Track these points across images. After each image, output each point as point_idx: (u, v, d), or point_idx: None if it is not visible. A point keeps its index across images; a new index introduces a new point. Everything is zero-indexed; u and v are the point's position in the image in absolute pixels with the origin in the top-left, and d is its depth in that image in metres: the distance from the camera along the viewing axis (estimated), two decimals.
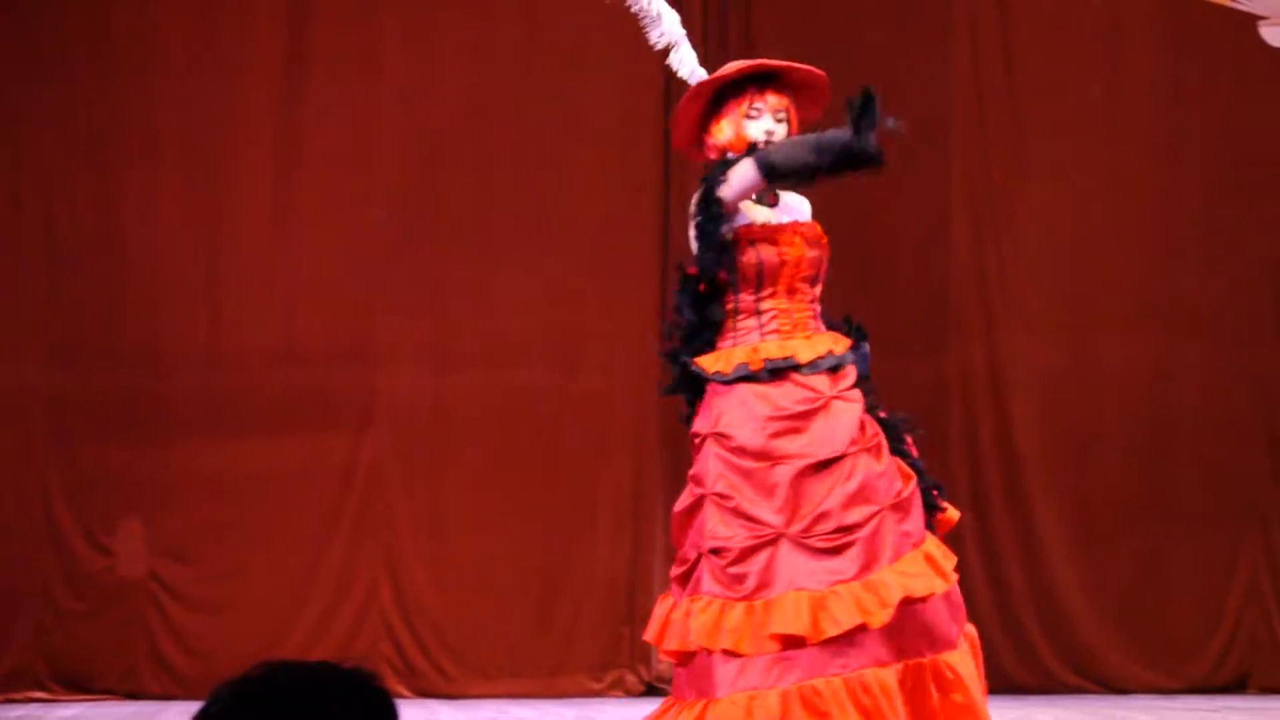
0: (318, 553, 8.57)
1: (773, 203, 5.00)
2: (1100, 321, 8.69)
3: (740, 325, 4.90)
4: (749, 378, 4.85)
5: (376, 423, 8.64)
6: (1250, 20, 6.36)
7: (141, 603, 8.47)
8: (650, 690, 8.56)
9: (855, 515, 4.72)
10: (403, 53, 8.71)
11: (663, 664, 8.58)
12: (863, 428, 4.81)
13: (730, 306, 4.92)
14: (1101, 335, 8.68)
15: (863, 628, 4.61)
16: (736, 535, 4.74)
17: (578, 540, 8.63)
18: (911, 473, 4.84)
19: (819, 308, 4.94)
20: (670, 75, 8.84)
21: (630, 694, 8.57)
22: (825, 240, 4.95)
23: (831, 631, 4.60)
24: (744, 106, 5.00)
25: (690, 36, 8.52)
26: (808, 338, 4.88)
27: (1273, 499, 8.66)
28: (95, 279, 8.56)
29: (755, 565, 4.71)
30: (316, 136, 8.66)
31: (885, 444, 4.82)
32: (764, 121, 4.97)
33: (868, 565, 4.68)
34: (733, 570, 4.72)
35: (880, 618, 4.62)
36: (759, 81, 5.04)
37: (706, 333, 4.94)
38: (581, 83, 8.75)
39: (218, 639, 8.37)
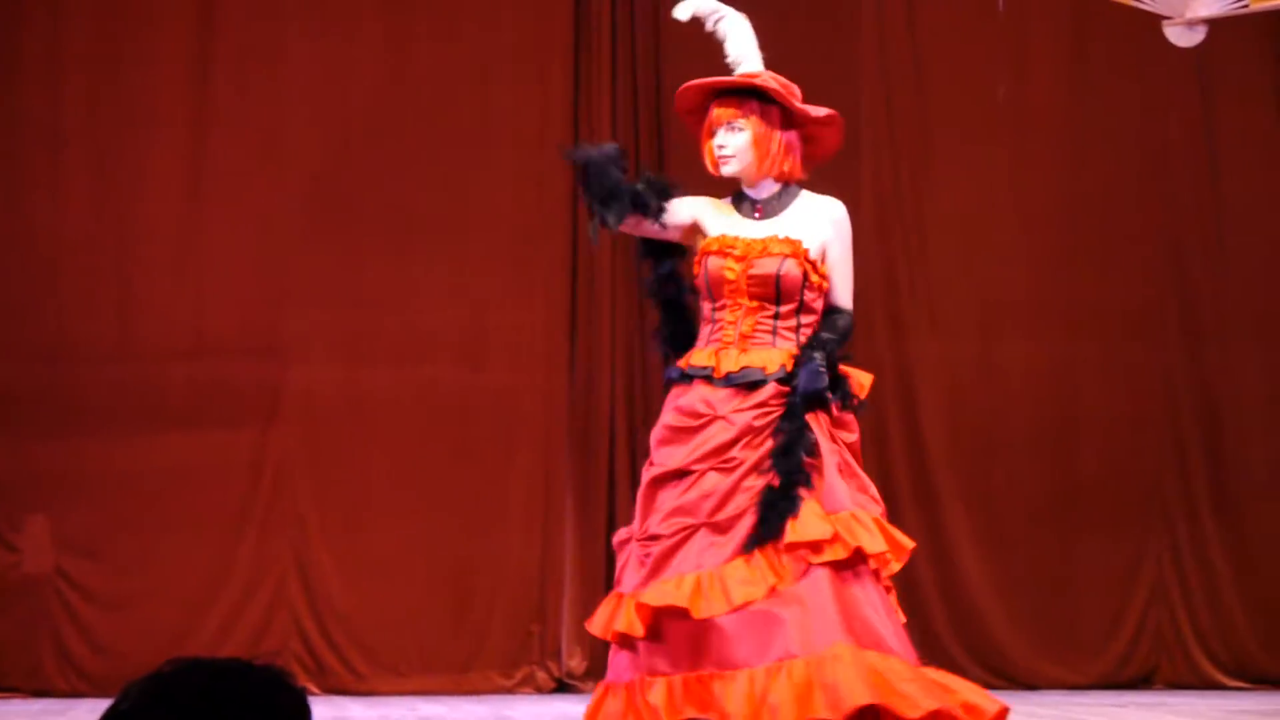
0: (227, 548, 8.50)
1: (759, 215, 5.08)
2: (1005, 323, 8.76)
3: (703, 332, 5.06)
4: (677, 379, 5.02)
5: (286, 417, 8.59)
6: (1154, 20, 6.43)
7: (48, 599, 8.38)
8: (561, 687, 8.57)
9: (665, 528, 4.89)
10: (313, 45, 8.66)
11: (572, 660, 8.59)
12: (730, 445, 4.90)
13: (704, 313, 5.08)
14: (1007, 336, 8.74)
15: (624, 637, 4.84)
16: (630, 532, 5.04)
17: (488, 537, 8.62)
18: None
19: (790, 323, 5.00)
20: (582, 74, 8.93)
21: (541, 691, 8.57)
22: (801, 257, 4.98)
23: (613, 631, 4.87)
24: (708, 128, 5.12)
25: (595, 48, 8.57)
26: (744, 350, 4.97)
27: (1177, 497, 8.75)
28: (2, 272, 8.47)
29: (619, 565, 5.00)
30: (226, 130, 8.59)
31: (749, 464, 4.88)
32: (718, 137, 5.08)
33: (651, 575, 4.86)
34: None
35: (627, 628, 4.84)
36: (713, 97, 5.13)
37: (677, 337, 5.11)
38: (496, 77, 8.73)
39: (125, 636, 8.29)
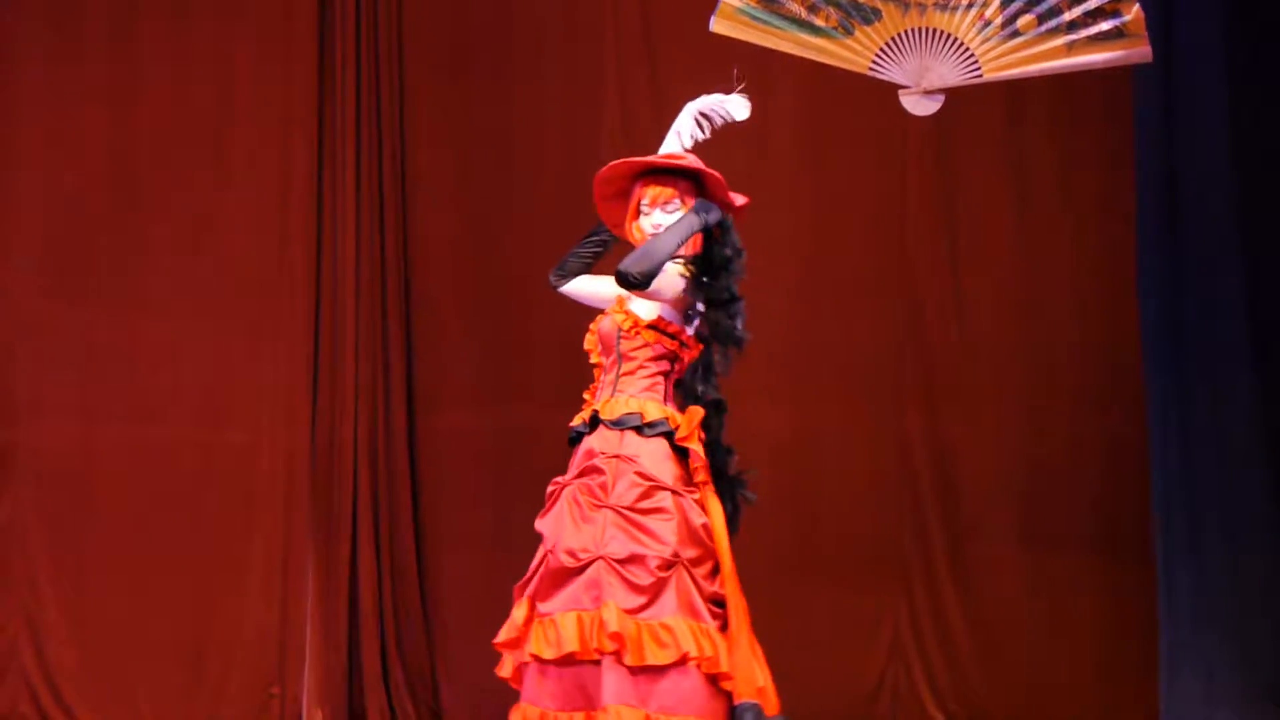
0: None
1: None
2: (743, 384, 8.80)
3: None
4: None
5: (17, 478, 8.41)
6: (891, 89, 6.52)
7: None
8: None
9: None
10: (43, 102, 8.52)
11: None
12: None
13: None
14: (745, 397, 8.78)
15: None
16: None
17: (227, 598, 8.49)
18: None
19: (610, 376, 5.53)
20: (324, 128, 8.87)
21: None
22: (619, 312, 5.56)
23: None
24: (635, 205, 5.54)
25: (339, 97, 8.52)
26: (608, 400, 5.52)
27: (915, 556, 8.86)
28: None
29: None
30: None
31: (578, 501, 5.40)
32: (654, 217, 5.47)
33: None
34: None
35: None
36: (643, 176, 5.49)
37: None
38: (232, 131, 8.64)
39: None
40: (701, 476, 5.55)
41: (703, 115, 5.74)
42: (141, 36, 8.61)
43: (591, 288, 5.70)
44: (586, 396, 5.66)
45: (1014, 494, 8.85)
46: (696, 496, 5.53)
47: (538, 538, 5.54)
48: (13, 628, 8.39)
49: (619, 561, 5.31)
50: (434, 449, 8.75)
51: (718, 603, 5.44)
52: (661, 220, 5.44)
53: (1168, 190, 8.21)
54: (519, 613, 5.42)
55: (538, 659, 5.31)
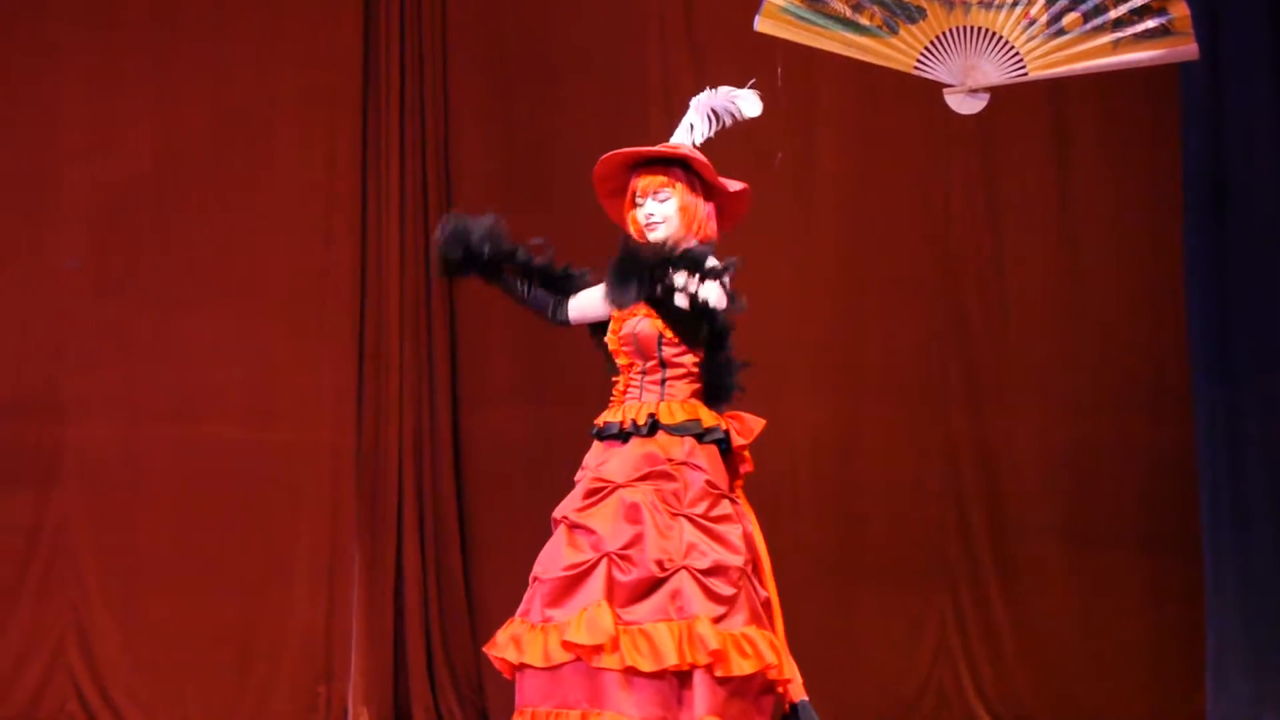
0: (3, 611, 8.35)
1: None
2: (788, 384, 8.82)
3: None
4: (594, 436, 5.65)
5: (64, 478, 8.45)
6: (936, 87, 6.52)
7: None
8: None
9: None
10: (87, 99, 8.56)
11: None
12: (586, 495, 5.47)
13: None
14: (790, 398, 8.80)
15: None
16: None
17: (273, 598, 8.52)
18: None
19: (654, 378, 5.52)
20: (368, 128, 8.90)
21: None
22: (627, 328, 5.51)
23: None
24: (630, 197, 5.57)
25: (383, 99, 8.55)
26: (620, 403, 5.54)
27: (959, 557, 8.84)
28: None
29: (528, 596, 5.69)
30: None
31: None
32: (646, 206, 5.48)
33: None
34: None
35: None
36: (636, 167, 5.53)
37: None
38: (276, 131, 8.67)
39: None
40: (739, 481, 5.59)
41: (713, 111, 5.73)
42: (183, 34, 8.64)
43: (590, 303, 5.66)
44: (616, 395, 5.63)
45: (1059, 494, 8.83)
46: (738, 499, 5.56)
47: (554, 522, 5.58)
48: (59, 627, 8.42)
49: (702, 572, 5.31)
50: (478, 449, 8.77)
51: (764, 605, 5.45)
52: (654, 209, 5.47)
53: (1215, 189, 8.17)
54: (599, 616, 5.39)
55: (632, 670, 5.28)
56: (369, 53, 8.75)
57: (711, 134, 5.75)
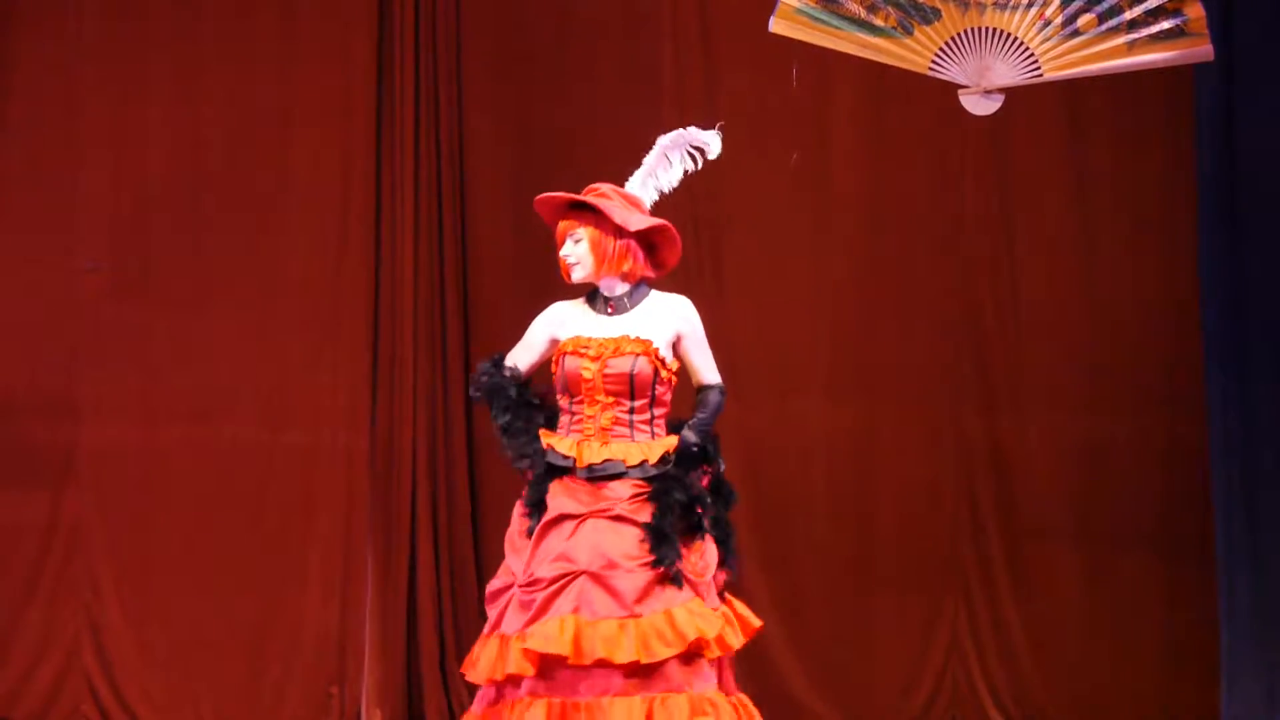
0: (17, 610, 8.37)
1: (611, 311, 5.74)
2: (802, 384, 8.82)
3: (562, 420, 5.74)
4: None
5: (80, 478, 8.46)
6: (950, 88, 6.52)
7: None
8: None
9: (547, 571, 5.63)
10: (107, 102, 8.57)
11: None
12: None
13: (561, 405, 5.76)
14: (803, 398, 8.80)
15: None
16: None
17: (287, 599, 8.52)
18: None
19: (644, 416, 5.70)
20: (383, 130, 8.90)
21: None
22: (652, 355, 5.69)
23: None
24: (558, 239, 5.79)
25: (398, 107, 8.56)
26: (605, 443, 5.64)
27: (972, 557, 8.84)
28: None
29: (498, 609, 5.95)
30: (19, 186, 8.48)
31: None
32: (564, 248, 5.75)
33: (535, 618, 5.67)
34: None
35: None
36: (565, 209, 5.76)
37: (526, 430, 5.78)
38: (292, 133, 8.68)
39: None
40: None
41: (670, 153, 5.91)
42: (203, 38, 8.65)
43: (540, 354, 5.85)
44: (592, 429, 5.73)
45: (1072, 494, 8.83)
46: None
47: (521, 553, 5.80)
48: (74, 627, 8.43)
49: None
50: (492, 451, 8.71)
51: None
52: (569, 250, 5.73)
53: (1229, 189, 8.17)
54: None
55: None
56: (383, 53, 8.75)
57: (672, 175, 5.93)
